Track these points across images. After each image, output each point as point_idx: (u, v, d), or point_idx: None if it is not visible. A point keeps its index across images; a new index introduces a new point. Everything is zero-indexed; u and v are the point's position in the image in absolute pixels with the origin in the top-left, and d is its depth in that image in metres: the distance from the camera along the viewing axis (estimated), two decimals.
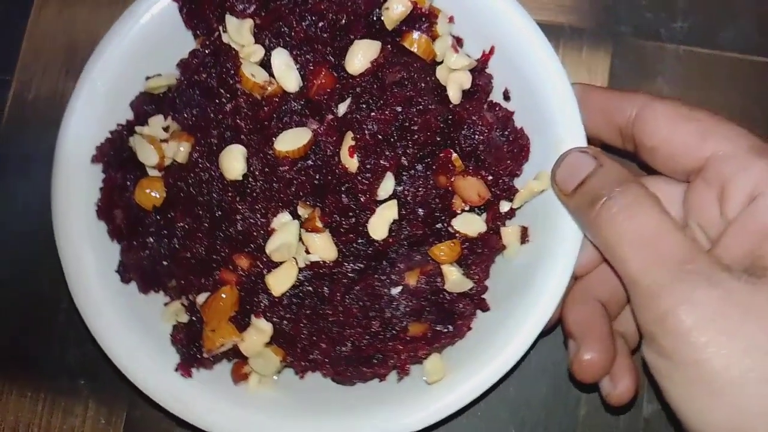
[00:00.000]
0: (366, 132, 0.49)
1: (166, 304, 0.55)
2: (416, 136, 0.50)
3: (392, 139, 0.50)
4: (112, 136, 0.55)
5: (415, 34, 0.53)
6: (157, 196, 0.52)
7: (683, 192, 0.50)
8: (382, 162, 0.49)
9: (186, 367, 0.52)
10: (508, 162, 0.53)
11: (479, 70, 0.55)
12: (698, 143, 0.47)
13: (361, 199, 0.49)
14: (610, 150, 0.54)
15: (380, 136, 0.49)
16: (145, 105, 0.55)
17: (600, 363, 0.49)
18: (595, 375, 0.50)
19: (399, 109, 0.50)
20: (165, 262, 0.51)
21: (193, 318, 0.52)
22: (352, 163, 0.49)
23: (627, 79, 0.64)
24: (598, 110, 0.52)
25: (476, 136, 0.51)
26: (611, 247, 0.45)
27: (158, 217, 0.51)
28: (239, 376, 0.52)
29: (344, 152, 0.49)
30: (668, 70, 0.65)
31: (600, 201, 0.46)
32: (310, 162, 0.51)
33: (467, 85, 0.54)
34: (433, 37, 0.54)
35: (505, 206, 0.53)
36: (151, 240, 0.51)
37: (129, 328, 0.53)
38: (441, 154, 0.50)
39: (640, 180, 0.48)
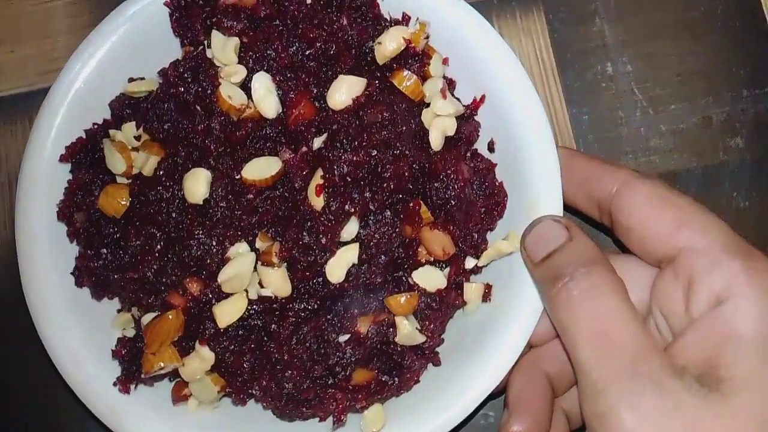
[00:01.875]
0: (336, 172, 0.48)
1: (119, 311, 0.54)
2: (387, 184, 0.48)
3: (362, 183, 0.48)
4: (85, 136, 0.54)
5: (406, 73, 0.52)
6: (122, 204, 0.51)
7: (654, 276, 0.48)
8: (347, 207, 0.47)
9: (125, 382, 0.51)
10: (481, 218, 0.52)
11: (467, 117, 0.54)
12: (673, 232, 0.46)
13: (322, 239, 0.48)
14: (587, 220, 0.53)
15: (349, 179, 0.48)
16: (123, 107, 0.54)
17: None
18: None
19: (374, 152, 0.49)
20: (116, 276, 0.50)
21: (139, 333, 0.51)
22: (318, 202, 0.48)
23: (568, 31, 0.63)
24: (579, 179, 0.50)
25: (449, 191, 0.50)
26: (565, 330, 0.44)
27: (115, 228, 0.50)
28: (179, 397, 0.51)
29: (311, 189, 0.48)
30: (602, 8, 0.63)
31: (562, 280, 0.44)
32: (276, 192, 0.49)
33: (451, 132, 0.52)
34: (425, 77, 0.53)
35: (470, 263, 0.52)
36: (105, 251, 0.50)
37: (79, 331, 0.52)
38: (410, 204, 0.49)
39: (609, 260, 0.46)
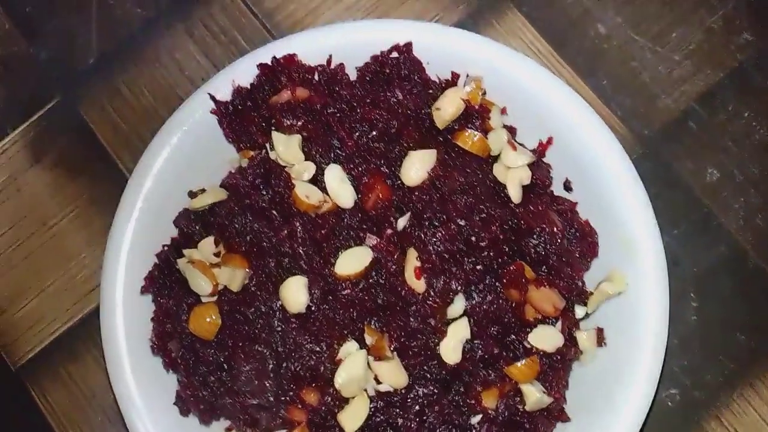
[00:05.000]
0: (432, 252, 0.46)
1: (227, 429, 0.52)
2: (486, 252, 0.47)
3: (458, 256, 0.47)
4: (158, 261, 0.53)
5: (468, 132, 0.51)
6: (214, 323, 0.49)
7: None
8: (452, 285, 0.46)
9: None
10: (578, 261, 0.51)
11: (537, 162, 0.53)
12: None
13: (431, 322, 0.46)
14: None
15: (446, 255, 0.47)
16: (190, 223, 0.53)
17: None
18: None
19: (462, 222, 0.47)
20: (229, 400, 0.49)
21: None
22: (419, 285, 0.47)
23: (547, 14, 0.63)
24: None
25: (548, 246, 0.48)
26: None
27: (216, 351, 0.49)
28: None
29: (409, 273, 0.47)
30: None
31: None
32: (371, 281, 0.48)
33: (527, 181, 0.51)
34: (486, 131, 0.52)
35: (580, 312, 0.50)
36: (212, 378, 0.49)
37: None
38: (512, 267, 0.48)
39: None
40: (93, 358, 0.61)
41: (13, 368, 0.61)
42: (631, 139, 0.61)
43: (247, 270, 0.49)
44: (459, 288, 0.47)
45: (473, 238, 0.47)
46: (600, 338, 0.50)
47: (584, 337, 0.50)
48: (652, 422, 0.55)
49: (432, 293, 0.46)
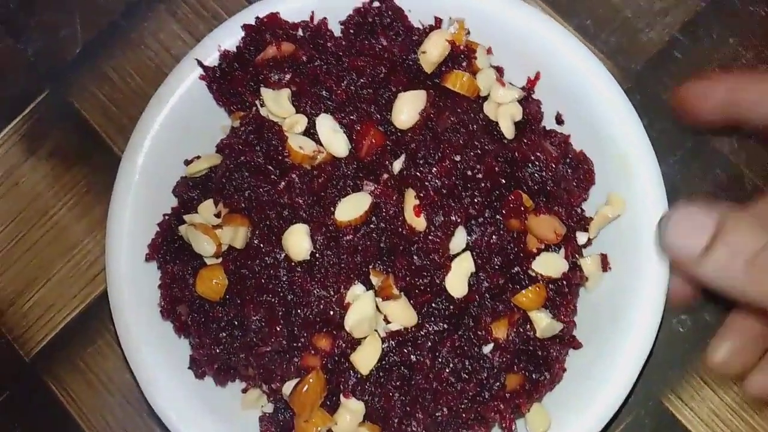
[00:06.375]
0: (430, 188, 0.47)
1: (244, 391, 0.53)
2: (482, 184, 0.47)
3: (456, 191, 0.47)
4: (160, 229, 0.53)
5: (457, 74, 0.51)
6: (221, 284, 0.50)
7: None
8: (452, 218, 0.46)
9: None
10: (577, 190, 0.51)
11: (527, 98, 0.53)
12: None
13: (435, 258, 0.47)
14: None
15: (444, 191, 0.47)
16: (189, 190, 0.53)
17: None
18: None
19: (458, 158, 0.48)
20: (242, 355, 0.49)
21: (278, 405, 0.50)
22: (419, 223, 0.47)
23: None
24: (725, 106, 0.48)
25: (544, 173, 0.49)
26: None
27: (226, 309, 0.49)
28: None
29: (409, 213, 0.47)
30: None
31: (751, 255, 0.41)
32: (372, 226, 0.48)
33: (519, 116, 0.52)
34: (474, 72, 0.52)
35: (582, 238, 0.51)
36: (224, 335, 0.49)
37: (214, 424, 0.51)
38: (510, 197, 0.48)
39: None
40: (106, 343, 0.61)
41: (27, 359, 0.62)
42: (619, 75, 0.61)
43: (248, 227, 0.49)
44: (459, 221, 0.47)
45: (469, 172, 0.48)
46: (605, 263, 0.51)
47: (588, 263, 0.50)
48: (664, 348, 0.55)
49: (433, 229, 0.47)
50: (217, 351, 0.49)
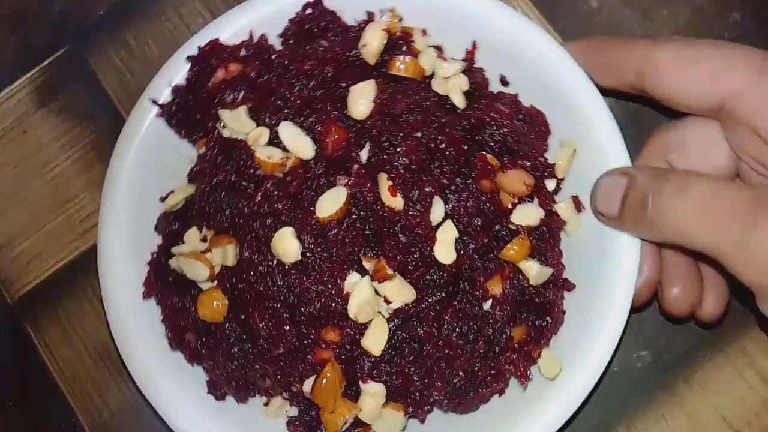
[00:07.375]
0: (400, 167, 0.49)
1: (265, 404, 0.54)
2: (447, 152, 0.50)
3: (425, 165, 0.49)
4: (151, 267, 0.54)
5: (399, 59, 0.53)
6: (222, 305, 0.51)
7: (717, 131, 0.48)
8: (426, 189, 0.48)
9: None
10: (536, 142, 0.53)
11: (470, 69, 0.55)
12: (711, 86, 0.46)
13: (419, 231, 0.49)
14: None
15: (414, 167, 0.49)
16: (170, 225, 0.55)
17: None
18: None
19: (419, 134, 0.50)
20: (257, 366, 0.50)
21: (301, 407, 0.51)
22: (397, 202, 0.49)
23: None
24: (603, 71, 0.51)
25: (502, 131, 0.51)
26: (681, 233, 0.44)
27: (233, 325, 0.50)
28: None
29: (385, 194, 0.49)
30: None
31: (648, 202, 0.46)
32: (354, 216, 0.50)
33: (466, 86, 0.54)
34: (415, 55, 0.54)
35: (551, 184, 0.53)
36: (235, 350, 0.50)
37: None
38: (476, 161, 0.50)
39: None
40: (86, 298, 0.63)
41: (10, 301, 0.64)
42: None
43: (236, 244, 0.51)
44: (433, 191, 0.49)
45: (432, 145, 0.50)
46: (577, 204, 0.53)
47: (563, 207, 0.53)
48: (624, 381, 0.57)
49: (411, 205, 0.49)
50: (233, 367, 0.51)
